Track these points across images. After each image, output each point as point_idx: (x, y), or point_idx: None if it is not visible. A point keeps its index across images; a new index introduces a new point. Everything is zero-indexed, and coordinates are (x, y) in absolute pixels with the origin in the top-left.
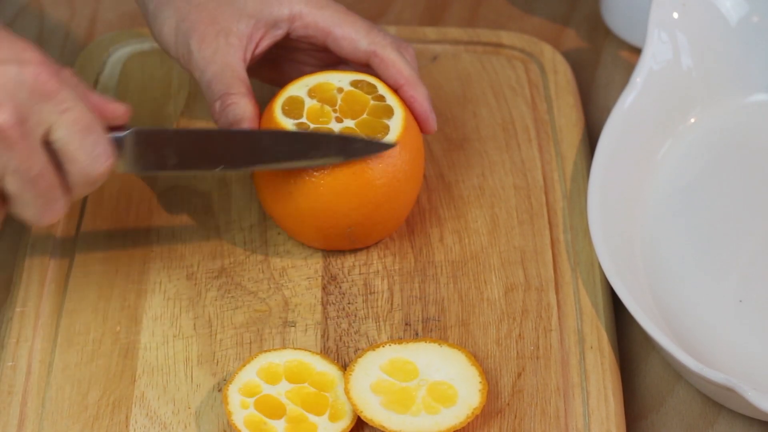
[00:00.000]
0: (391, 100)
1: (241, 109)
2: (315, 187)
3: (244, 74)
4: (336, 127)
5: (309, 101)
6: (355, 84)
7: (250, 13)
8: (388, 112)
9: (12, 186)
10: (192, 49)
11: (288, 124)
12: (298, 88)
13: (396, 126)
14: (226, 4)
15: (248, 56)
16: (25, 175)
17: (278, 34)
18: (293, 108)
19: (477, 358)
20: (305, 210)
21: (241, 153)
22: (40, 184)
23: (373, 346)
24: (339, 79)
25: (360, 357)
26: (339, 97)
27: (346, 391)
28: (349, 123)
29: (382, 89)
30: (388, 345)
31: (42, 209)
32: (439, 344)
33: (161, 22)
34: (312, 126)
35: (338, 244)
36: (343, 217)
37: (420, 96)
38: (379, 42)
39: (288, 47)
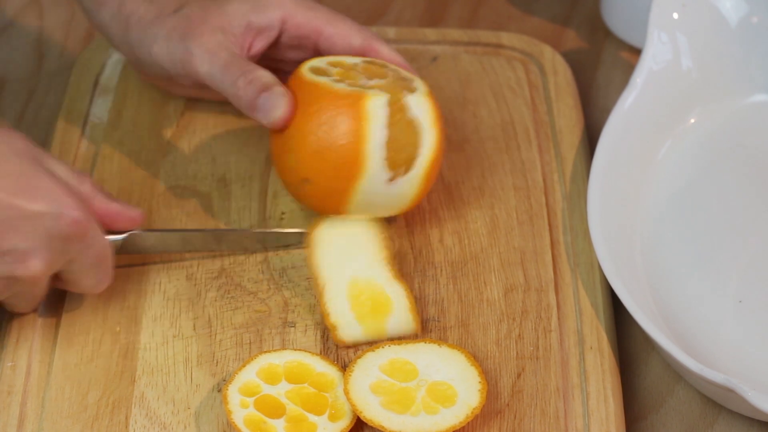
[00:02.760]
0: (406, 73)
1: (268, 77)
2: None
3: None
4: (368, 83)
5: (333, 69)
6: (367, 62)
7: (241, 15)
8: (408, 81)
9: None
10: (191, 48)
11: (321, 80)
12: (317, 62)
13: (421, 88)
14: (213, 9)
15: (244, 56)
16: (28, 295)
17: (271, 35)
18: (320, 73)
19: (477, 359)
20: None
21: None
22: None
23: (373, 346)
24: (350, 60)
25: (359, 357)
26: (359, 68)
27: (346, 392)
28: (379, 81)
29: (392, 66)
30: (387, 345)
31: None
32: (439, 345)
33: (149, 41)
34: (346, 82)
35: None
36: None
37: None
38: (371, 37)
39: (279, 54)
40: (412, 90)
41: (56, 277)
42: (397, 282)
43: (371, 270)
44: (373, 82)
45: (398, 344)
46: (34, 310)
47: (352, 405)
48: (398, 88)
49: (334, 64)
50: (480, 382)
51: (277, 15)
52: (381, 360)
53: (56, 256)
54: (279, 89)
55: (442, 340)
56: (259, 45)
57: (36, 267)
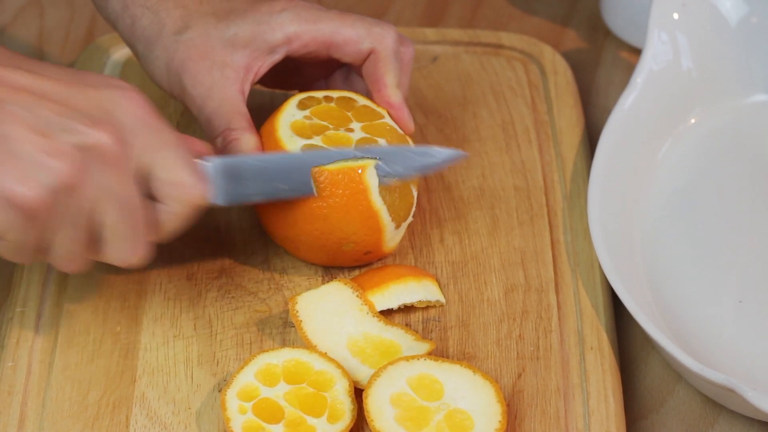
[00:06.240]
0: (363, 101)
1: (245, 144)
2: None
3: (243, 107)
4: (354, 136)
5: (315, 137)
6: (328, 100)
7: (243, 43)
8: (373, 114)
9: (109, 217)
10: (185, 85)
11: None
12: (289, 128)
13: (393, 123)
14: (215, 38)
15: (247, 87)
16: (123, 204)
17: (276, 58)
18: (301, 137)
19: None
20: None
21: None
22: (136, 215)
23: (408, 357)
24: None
25: (391, 364)
26: (323, 111)
27: (365, 396)
28: (357, 127)
29: (337, 94)
30: (423, 359)
31: (133, 245)
32: (474, 372)
33: (151, 62)
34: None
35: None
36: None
37: (395, 99)
38: (380, 39)
39: (291, 62)
40: (388, 131)
41: (91, 242)
42: (389, 325)
43: (362, 325)
44: (359, 136)
45: (434, 360)
46: (81, 270)
47: (366, 411)
48: (377, 135)
49: (303, 122)
50: (500, 421)
51: (281, 38)
52: (412, 372)
53: (129, 134)
54: None
55: (443, 340)
56: (265, 68)
57: (104, 135)
